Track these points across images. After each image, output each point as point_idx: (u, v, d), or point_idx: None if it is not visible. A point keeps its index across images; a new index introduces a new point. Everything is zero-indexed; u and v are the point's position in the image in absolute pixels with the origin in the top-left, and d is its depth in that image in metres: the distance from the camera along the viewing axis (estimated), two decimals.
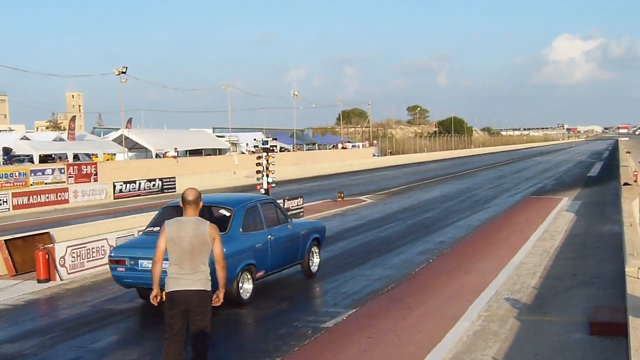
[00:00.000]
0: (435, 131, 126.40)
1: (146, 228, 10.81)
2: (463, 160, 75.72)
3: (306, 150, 74.74)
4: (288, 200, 22.92)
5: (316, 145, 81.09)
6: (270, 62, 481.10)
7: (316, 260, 12.93)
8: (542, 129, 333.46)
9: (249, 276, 10.63)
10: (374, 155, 77.09)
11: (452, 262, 14.10)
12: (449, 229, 19.44)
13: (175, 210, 10.02)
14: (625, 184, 25.32)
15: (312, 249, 12.83)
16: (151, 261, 8.21)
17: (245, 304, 10.50)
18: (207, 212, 10.23)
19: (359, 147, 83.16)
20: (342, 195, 29.06)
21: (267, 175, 24.88)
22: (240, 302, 10.40)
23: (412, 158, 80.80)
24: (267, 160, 24.96)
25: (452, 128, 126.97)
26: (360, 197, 30.13)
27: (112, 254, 10.28)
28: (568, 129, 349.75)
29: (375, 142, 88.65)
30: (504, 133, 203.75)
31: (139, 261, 9.94)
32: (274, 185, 25.34)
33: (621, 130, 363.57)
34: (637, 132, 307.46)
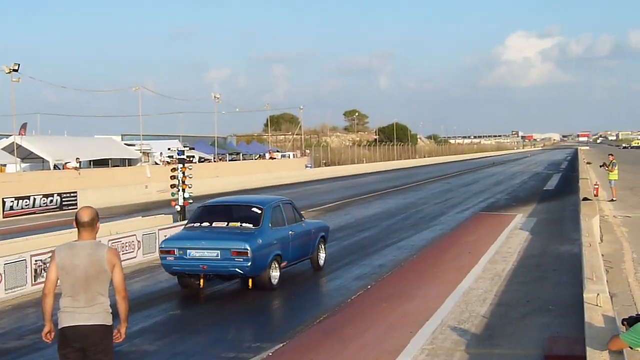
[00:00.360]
0: (376, 139, 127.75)
1: (187, 224, 14.79)
2: (406, 172, 76.49)
3: (229, 160, 74.44)
4: None
5: (241, 155, 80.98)
6: (187, 60, 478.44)
7: (322, 255, 16.66)
8: (495, 136, 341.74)
9: (276, 265, 14.38)
10: (306, 167, 77.33)
11: (392, 288, 14.18)
12: (390, 250, 19.57)
13: (212, 209, 14.84)
14: (585, 199, 25.93)
15: (320, 245, 16.62)
16: (198, 251, 13.03)
17: (274, 289, 14.18)
18: (240, 210, 14.69)
19: (289, 157, 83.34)
20: None
21: (184, 190, 24.53)
22: (271, 287, 14.15)
23: (350, 169, 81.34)
24: (184, 173, 24.62)
25: (395, 136, 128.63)
26: None
27: (163, 246, 14.09)
28: (523, 137, 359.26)
29: (307, 151, 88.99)
30: (452, 141, 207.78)
31: (187, 251, 13.78)
32: (191, 201, 25.00)
33: (581, 139, 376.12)
34: (598, 141, 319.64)
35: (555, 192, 40.03)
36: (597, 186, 30.75)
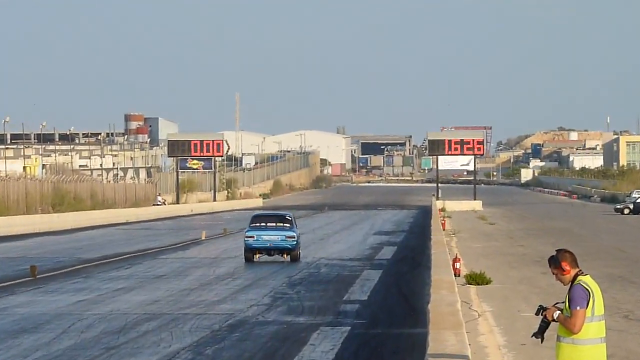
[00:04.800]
0: None
1: (250, 225, 37.09)
2: None
3: None
4: None
5: None
6: None
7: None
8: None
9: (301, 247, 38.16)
10: None
11: None
12: None
13: (263, 218, 39.14)
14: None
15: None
16: (267, 236, 36.74)
17: (299, 261, 36.99)
18: (280, 217, 38.86)
19: None
20: None
21: None
22: (298, 260, 37.13)
23: None
24: None
25: None
26: None
27: (247, 234, 36.53)
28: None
29: None
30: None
31: (261, 236, 36.46)
32: None
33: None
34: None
35: None
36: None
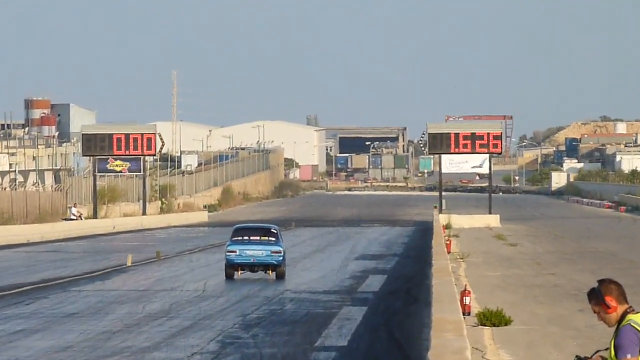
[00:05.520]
0: None
1: (231, 238, 44.50)
2: None
3: None
4: None
5: None
6: None
7: None
8: None
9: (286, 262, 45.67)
10: None
11: None
12: None
13: (245, 231, 46.22)
14: None
15: None
16: (251, 251, 43.59)
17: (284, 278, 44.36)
18: (265, 230, 46.14)
19: None
20: None
21: None
22: (283, 277, 44.27)
23: None
24: None
25: None
26: None
27: (229, 248, 43.76)
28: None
29: None
30: None
31: (244, 251, 43.58)
32: None
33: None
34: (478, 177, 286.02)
35: None
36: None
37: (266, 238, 44.16)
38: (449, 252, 55.31)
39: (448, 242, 61.25)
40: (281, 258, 43.74)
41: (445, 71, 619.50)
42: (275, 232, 44.98)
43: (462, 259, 57.00)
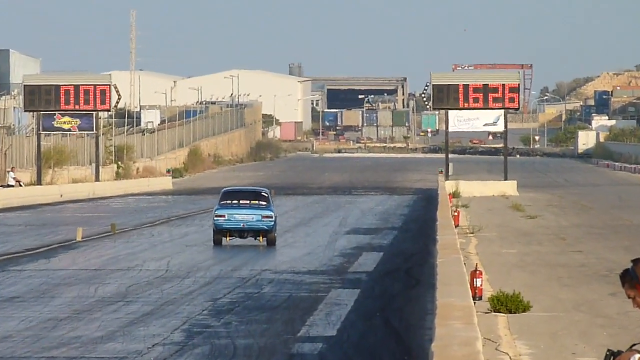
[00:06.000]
0: None
1: (220, 203, 50.38)
2: None
3: None
4: None
5: None
6: None
7: None
8: None
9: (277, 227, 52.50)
10: None
11: None
12: None
13: (235, 194, 52.59)
14: None
15: None
16: (241, 216, 49.60)
17: (275, 244, 50.60)
18: (255, 194, 53.15)
19: None
20: None
21: None
22: (274, 243, 50.41)
23: None
24: None
25: None
26: None
27: (217, 212, 49.50)
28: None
29: None
30: None
31: (233, 215, 49.72)
32: None
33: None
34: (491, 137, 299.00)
35: None
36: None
37: (256, 202, 50.01)
38: (456, 226, 55.61)
39: (456, 214, 61.49)
40: (272, 223, 49.25)
41: (452, 11, 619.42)
42: (266, 195, 51.00)
43: (472, 233, 57.27)
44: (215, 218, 49.22)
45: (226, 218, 48.91)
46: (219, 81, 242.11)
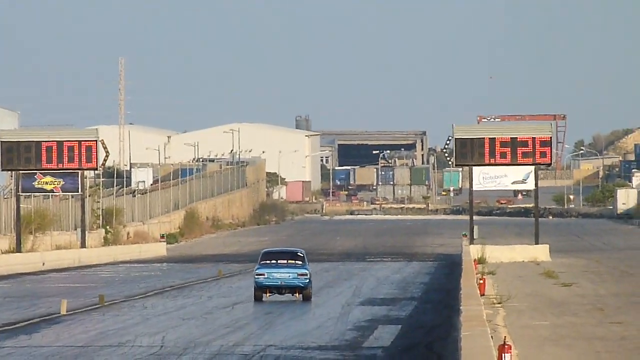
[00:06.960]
0: None
1: (260, 262, 60.86)
2: None
3: None
4: None
5: None
6: None
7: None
8: None
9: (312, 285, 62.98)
10: None
11: None
12: None
13: (273, 255, 63.25)
14: None
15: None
16: (279, 274, 60.06)
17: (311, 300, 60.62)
18: (292, 254, 63.11)
19: None
20: None
21: None
22: (310, 299, 60.93)
23: None
24: None
25: None
26: None
27: (257, 271, 60.42)
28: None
29: None
30: None
31: (272, 274, 60.31)
32: None
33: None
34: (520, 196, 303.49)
35: None
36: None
37: (293, 261, 60.08)
38: (482, 295, 55.50)
39: (481, 282, 61.41)
40: (307, 281, 59.48)
41: (476, 58, 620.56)
42: (302, 255, 60.93)
43: (500, 303, 57.17)
44: (256, 276, 59.49)
45: (266, 276, 59.12)
46: (217, 136, 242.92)
